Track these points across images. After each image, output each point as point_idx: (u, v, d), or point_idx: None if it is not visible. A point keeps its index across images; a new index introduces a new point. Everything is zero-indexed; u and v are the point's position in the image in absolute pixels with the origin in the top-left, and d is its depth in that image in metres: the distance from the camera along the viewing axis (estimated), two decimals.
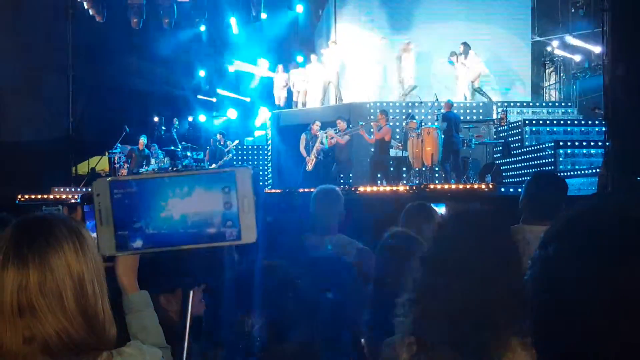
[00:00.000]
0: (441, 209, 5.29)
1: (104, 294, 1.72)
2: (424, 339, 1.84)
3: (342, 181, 13.68)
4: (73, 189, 14.83)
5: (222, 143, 16.39)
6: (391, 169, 13.93)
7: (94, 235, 2.04)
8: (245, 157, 18.58)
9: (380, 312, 2.59)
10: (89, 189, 1.81)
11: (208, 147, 17.15)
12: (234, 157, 17.12)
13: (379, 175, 13.41)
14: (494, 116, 14.86)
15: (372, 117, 14.06)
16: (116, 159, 15.94)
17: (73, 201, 11.92)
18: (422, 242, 3.12)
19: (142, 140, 15.83)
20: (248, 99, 21.48)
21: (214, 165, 16.10)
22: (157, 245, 1.23)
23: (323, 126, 14.08)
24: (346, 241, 4.06)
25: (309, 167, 13.95)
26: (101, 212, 1.23)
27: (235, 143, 16.81)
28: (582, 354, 0.94)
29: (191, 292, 1.30)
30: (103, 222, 1.24)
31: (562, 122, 13.92)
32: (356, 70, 16.42)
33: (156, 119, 21.27)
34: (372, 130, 13.42)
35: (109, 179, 1.24)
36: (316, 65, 16.48)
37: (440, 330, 1.81)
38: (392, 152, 13.98)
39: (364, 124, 13.65)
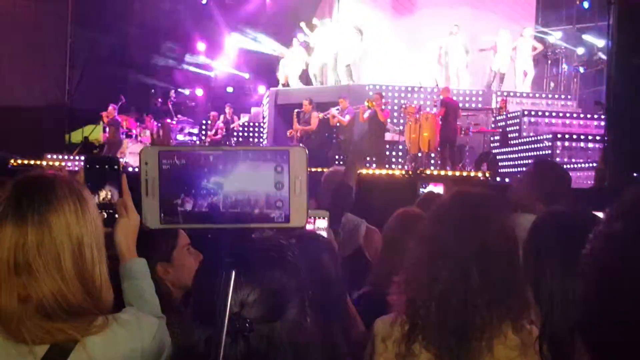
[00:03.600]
0: (439, 189, 5.31)
1: (103, 258, 1.69)
2: (416, 318, 1.83)
3: (340, 163, 13.65)
4: (66, 157, 14.73)
5: (229, 116, 16.24)
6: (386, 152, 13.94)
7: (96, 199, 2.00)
8: (241, 134, 18.48)
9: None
10: (90, 156, 1.77)
11: (207, 121, 17.06)
12: (238, 134, 17.00)
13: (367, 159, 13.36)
14: (494, 105, 14.82)
15: (370, 98, 13.96)
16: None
17: (67, 169, 11.84)
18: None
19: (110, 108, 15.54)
20: (247, 75, 21.38)
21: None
22: (201, 222, 1.19)
23: (321, 106, 14.01)
24: (356, 220, 4.06)
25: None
26: (148, 182, 1.19)
27: (244, 119, 16.66)
28: None
29: (233, 274, 1.24)
30: (149, 192, 1.20)
31: (561, 114, 13.89)
32: (364, 51, 16.30)
33: (152, 90, 21.16)
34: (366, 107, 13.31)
35: (157, 148, 1.20)
36: (297, 48, 16.48)
37: (432, 311, 1.80)
38: (389, 136, 13.95)
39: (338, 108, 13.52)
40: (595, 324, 0.95)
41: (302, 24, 16.68)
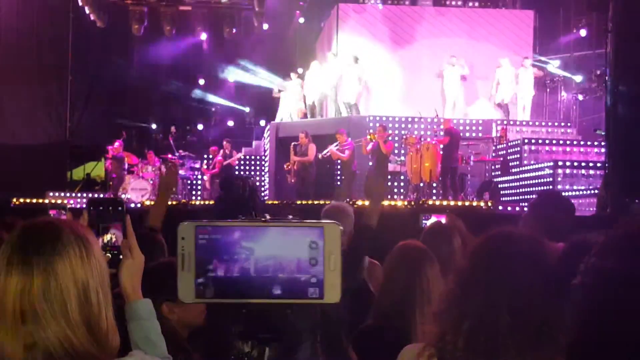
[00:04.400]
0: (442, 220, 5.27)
1: (108, 302, 1.68)
2: (444, 353, 1.80)
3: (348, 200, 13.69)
4: (67, 194, 14.76)
5: (228, 151, 16.32)
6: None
7: (101, 241, 2.00)
8: (243, 168, 18.54)
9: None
10: (93, 197, 1.78)
11: (208, 156, 17.13)
12: (235, 168, 17.14)
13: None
14: (494, 134, 14.88)
15: (371, 130, 14.04)
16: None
17: (69, 206, 11.84)
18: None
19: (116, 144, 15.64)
20: (247, 109, 21.52)
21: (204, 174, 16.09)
22: (236, 297, 1.19)
23: (321, 139, 14.09)
24: None
25: (290, 178, 14.11)
26: (184, 257, 1.20)
27: (240, 155, 16.79)
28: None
29: (267, 349, 1.24)
30: (185, 267, 1.20)
31: (561, 141, 13.94)
32: (364, 84, 16.44)
33: (154, 126, 21.28)
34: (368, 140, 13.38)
35: (195, 223, 1.20)
36: (295, 81, 16.75)
37: (459, 347, 1.77)
38: (391, 167, 13.98)
39: (337, 144, 13.61)
40: (584, 350, 0.97)
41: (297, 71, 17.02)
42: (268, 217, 1.22)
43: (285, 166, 14.54)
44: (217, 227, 1.21)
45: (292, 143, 14.27)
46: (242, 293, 1.19)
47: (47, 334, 1.55)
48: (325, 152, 13.69)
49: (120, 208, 2.07)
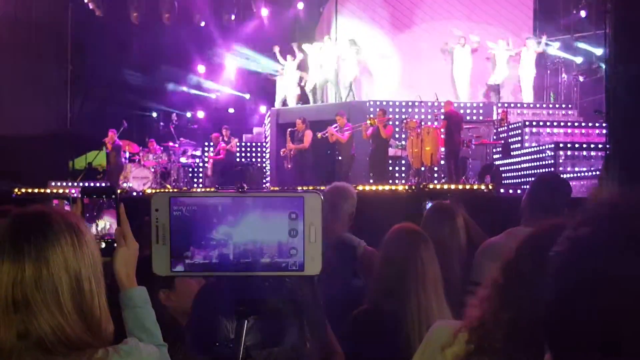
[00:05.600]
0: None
1: (101, 290, 1.70)
2: (483, 341, 1.79)
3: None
4: (69, 184, 14.78)
5: (226, 138, 16.34)
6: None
7: (94, 229, 2.01)
8: (244, 154, 18.56)
9: None
10: (86, 186, 1.78)
11: (209, 143, 17.14)
12: (237, 155, 17.17)
13: (370, 174, 13.40)
14: (494, 117, 14.85)
15: (371, 115, 14.02)
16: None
17: (72, 196, 11.88)
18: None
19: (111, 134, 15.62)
20: (247, 96, 21.48)
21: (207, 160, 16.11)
22: (213, 269, 1.16)
23: (322, 124, 14.08)
24: (353, 241, 4.00)
25: (287, 164, 14.13)
26: (158, 229, 1.17)
27: (236, 141, 16.81)
28: (605, 335, 0.92)
29: (245, 322, 1.21)
30: (159, 240, 1.17)
31: (562, 123, 13.91)
32: (363, 67, 16.39)
33: (154, 114, 21.27)
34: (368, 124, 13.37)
35: (168, 194, 1.17)
36: (290, 63, 16.67)
37: (498, 338, 1.75)
38: (391, 151, 13.98)
39: (336, 126, 13.60)
40: (558, 324, 0.98)
41: (294, 45, 16.89)
42: (246, 187, 1.19)
43: (281, 152, 14.60)
44: (192, 197, 1.18)
45: (289, 129, 14.30)
46: (219, 266, 1.17)
47: (39, 322, 1.56)
48: (324, 132, 13.69)
49: (113, 196, 2.08)
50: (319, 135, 13.75)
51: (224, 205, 1.15)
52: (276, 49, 17.08)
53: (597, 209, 1.00)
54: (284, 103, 17.16)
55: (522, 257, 1.82)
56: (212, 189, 1.19)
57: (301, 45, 16.75)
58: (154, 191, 13.47)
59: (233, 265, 1.16)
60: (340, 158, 14.08)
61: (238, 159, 17.44)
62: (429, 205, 5.68)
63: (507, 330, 1.72)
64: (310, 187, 11.27)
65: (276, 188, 14.06)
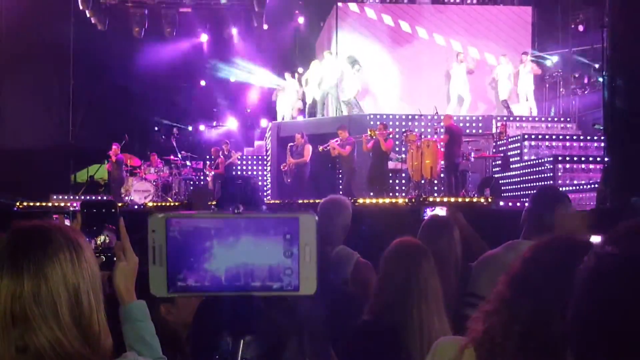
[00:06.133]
0: (442, 212, 5.26)
1: (100, 305, 1.70)
2: (491, 356, 1.79)
3: (341, 193, 13.70)
4: (71, 197, 14.82)
5: (226, 152, 16.40)
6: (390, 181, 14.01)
7: (93, 244, 2.04)
8: (245, 168, 18.59)
9: None
10: (86, 200, 1.82)
11: (210, 156, 17.19)
12: (238, 168, 17.22)
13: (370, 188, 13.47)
14: (494, 130, 14.90)
15: (373, 128, 14.07)
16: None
17: (72, 209, 11.90)
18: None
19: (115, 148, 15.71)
20: (248, 109, 21.56)
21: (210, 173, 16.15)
22: (209, 289, 1.19)
23: (322, 138, 14.14)
24: (348, 253, 4.02)
25: (287, 178, 14.18)
26: (155, 250, 1.20)
27: (238, 154, 16.86)
28: (630, 346, 0.96)
29: (242, 342, 1.25)
30: (156, 261, 1.20)
31: (561, 137, 13.95)
32: (363, 82, 16.47)
33: (156, 128, 21.34)
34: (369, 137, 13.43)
35: (165, 216, 1.21)
36: (290, 81, 16.83)
37: (508, 352, 1.74)
38: (392, 164, 14.02)
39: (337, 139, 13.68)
40: (583, 335, 1.02)
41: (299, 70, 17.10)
42: (241, 208, 1.23)
43: (282, 167, 14.67)
44: (187, 218, 1.22)
45: (289, 145, 14.40)
46: (215, 286, 1.20)
47: (38, 337, 1.57)
48: (325, 145, 13.74)
49: (113, 210, 2.11)
50: (320, 148, 13.81)
51: (220, 227, 1.19)
52: (287, 76, 17.19)
53: (624, 228, 1.04)
54: (286, 115, 17.25)
55: (529, 270, 1.82)
56: (210, 210, 1.22)
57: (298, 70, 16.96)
58: (154, 204, 13.52)
59: (228, 285, 1.19)
60: (341, 172, 14.13)
61: (239, 172, 17.47)
62: (426, 213, 5.70)
63: (519, 343, 1.71)
64: (310, 200, 11.32)
65: (277, 201, 14.11)
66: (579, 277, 1.06)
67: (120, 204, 2.76)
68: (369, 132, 13.40)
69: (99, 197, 14.69)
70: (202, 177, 17.51)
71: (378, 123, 13.99)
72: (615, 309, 0.97)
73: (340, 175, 14.31)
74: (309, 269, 1.19)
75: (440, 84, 16.34)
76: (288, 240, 1.19)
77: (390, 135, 13.67)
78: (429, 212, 5.60)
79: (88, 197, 14.10)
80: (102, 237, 2.11)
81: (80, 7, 17.92)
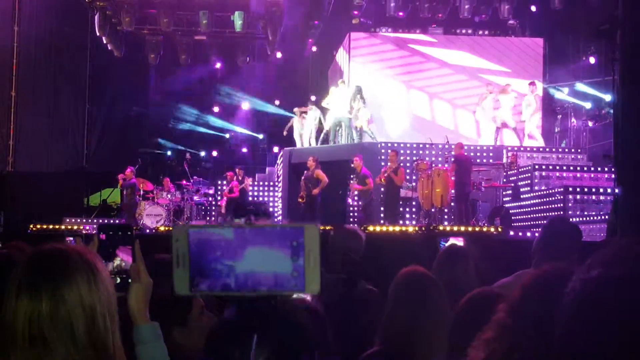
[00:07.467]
0: (459, 242, 5.28)
1: (115, 327, 1.75)
2: None
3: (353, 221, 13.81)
4: (84, 220, 14.94)
5: (240, 177, 16.51)
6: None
7: (109, 266, 2.10)
8: (256, 194, 18.67)
9: None
10: (103, 223, 1.89)
11: (223, 181, 17.31)
12: (249, 194, 17.31)
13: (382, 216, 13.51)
14: (504, 160, 14.93)
15: (382, 157, 14.15)
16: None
17: (85, 232, 12.00)
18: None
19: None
20: (261, 136, 21.73)
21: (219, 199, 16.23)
22: (227, 289, 1.38)
23: (335, 165, 14.23)
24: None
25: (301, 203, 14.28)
26: (178, 256, 1.39)
27: (250, 180, 16.97)
28: None
29: (254, 342, 1.42)
30: (180, 265, 1.39)
31: (572, 167, 13.97)
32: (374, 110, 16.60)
33: (169, 153, 21.52)
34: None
35: (188, 228, 1.40)
36: (311, 107, 17.00)
37: None
38: (402, 192, 14.05)
39: (353, 176, 13.73)
40: (569, 355, 1.07)
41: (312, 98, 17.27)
42: (253, 219, 1.39)
43: (299, 199, 14.57)
44: (207, 230, 1.37)
45: (303, 177, 14.38)
46: (230, 286, 1.34)
47: (54, 358, 1.62)
48: (349, 190, 13.86)
49: (129, 233, 2.17)
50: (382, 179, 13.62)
51: (234, 236, 1.35)
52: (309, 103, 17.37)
53: (607, 253, 1.10)
54: (301, 142, 17.28)
55: (528, 297, 1.86)
56: (223, 224, 1.44)
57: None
58: (167, 228, 13.60)
59: (243, 284, 1.35)
60: (361, 203, 14.15)
61: (251, 198, 17.56)
62: (442, 244, 5.73)
63: None
64: (324, 227, 11.36)
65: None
66: (565, 301, 1.12)
67: (134, 228, 2.83)
68: (382, 180, 13.38)
69: (115, 221, 14.79)
70: (213, 202, 17.60)
71: (389, 151, 14.05)
72: (602, 330, 1.02)
73: (361, 207, 14.29)
74: (313, 272, 1.34)
75: (449, 113, 16.44)
76: (295, 248, 1.34)
77: (400, 164, 13.63)
78: (447, 242, 5.64)
79: (104, 220, 14.20)
80: (118, 259, 2.17)
81: (97, 34, 18.23)
